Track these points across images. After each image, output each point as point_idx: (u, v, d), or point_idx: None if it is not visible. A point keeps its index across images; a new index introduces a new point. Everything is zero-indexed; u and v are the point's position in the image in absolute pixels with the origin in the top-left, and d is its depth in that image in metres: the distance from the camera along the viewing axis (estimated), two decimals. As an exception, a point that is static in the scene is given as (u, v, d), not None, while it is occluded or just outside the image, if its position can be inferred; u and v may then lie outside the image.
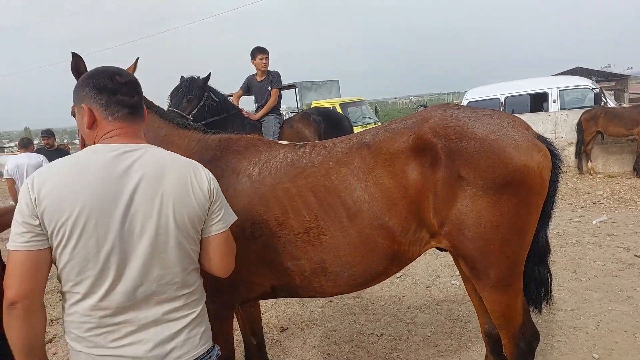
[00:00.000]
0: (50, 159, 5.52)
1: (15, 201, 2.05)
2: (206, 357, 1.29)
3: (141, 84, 1.36)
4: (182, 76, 4.80)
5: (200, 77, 4.80)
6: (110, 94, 1.24)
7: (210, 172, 1.33)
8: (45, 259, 1.12)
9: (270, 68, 5.42)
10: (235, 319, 2.04)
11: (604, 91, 10.76)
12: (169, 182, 1.21)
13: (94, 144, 1.25)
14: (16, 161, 6.04)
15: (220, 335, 1.81)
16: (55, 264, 1.15)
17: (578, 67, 19.41)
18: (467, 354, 2.77)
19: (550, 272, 2.00)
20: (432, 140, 1.62)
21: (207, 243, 1.32)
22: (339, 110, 10.46)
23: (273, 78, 5.39)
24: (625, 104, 12.82)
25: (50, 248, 1.12)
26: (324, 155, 1.79)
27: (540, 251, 1.92)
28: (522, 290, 1.81)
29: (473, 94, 11.16)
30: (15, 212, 1.11)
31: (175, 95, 4.70)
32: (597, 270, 3.77)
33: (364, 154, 1.72)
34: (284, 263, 1.74)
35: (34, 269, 1.09)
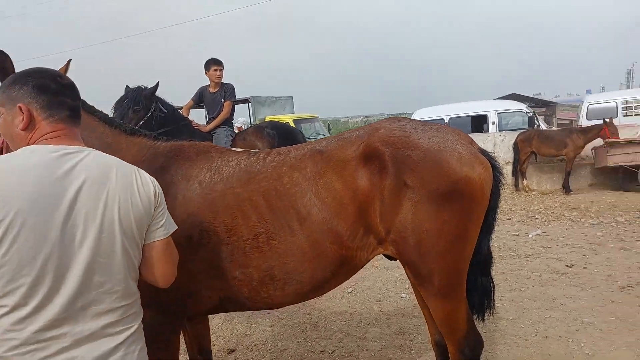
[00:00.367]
0: None
1: None
2: None
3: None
4: (127, 86, 4.59)
5: (148, 87, 4.63)
6: (52, 94, 1.18)
7: (154, 178, 1.29)
8: None
9: (224, 81, 5.36)
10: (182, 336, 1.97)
11: (537, 115, 11.66)
12: (113, 184, 1.16)
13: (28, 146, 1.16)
14: None
15: (167, 352, 1.73)
16: None
17: (514, 93, 20.84)
18: (417, 365, 2.82)
19: (493, 282, 2.08)
20: (380, 148, 1.69)
21: (149, 249, 1.26)
22: (292, 125, 10.51)
23: (227, 90, 5.30)
24: (554, 128, 13.92)
25: None
26: (278, 161, 1.80)
27: (483, 261, 1.99)
28: (465, 299, 1.87)
29: (420, 115, 11.67)
30: None
31: (120, 105, 4.44)
32: (535, 280, 4.01)
33: (316, 159, 1.76)
34: (232, 272, 1.71)
35: None
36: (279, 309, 3.83)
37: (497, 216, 1.94)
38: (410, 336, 3.20)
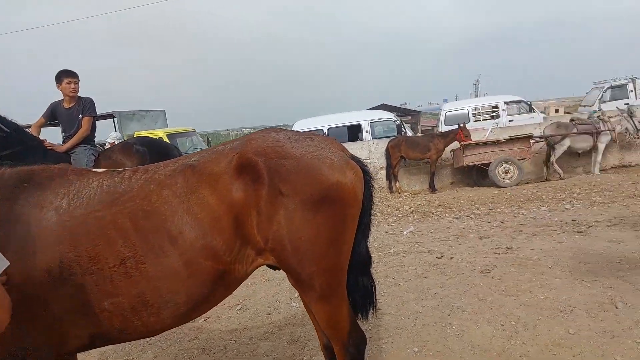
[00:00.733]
0: None
1: None
2: None
3: None
4: None
5: None
6: None
7: None
8: None
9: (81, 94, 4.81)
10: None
11: (404, 123, 12.84)
12: None
13: None
14: None
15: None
16: None
17: (383, 103, 22.75)
18: (309, 373, 2.82)
19: (373, 282, 2.16)
20: (254, 159, 1.68)
21: None
22: (166, 141, 9.91)
23: (85, 105, 4.77)
24: (419, 134, 15.52)
25: None
26: (145, 179, 1.69)
27: (362, 262, 2.06)
28: (346, 299, 1.93)
29: (301, 125, 12.00)
30: None
31: None
32: (411, 274, 4.33)
33: (187, 175, 1.68)
34: (100, 304, 1.56)
35: None
36: (163, 339, 3.55)
37: (372, 217, 2.03)
38: (301, 344, 3.20)
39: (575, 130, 9.20)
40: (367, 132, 11.72)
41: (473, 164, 9.29)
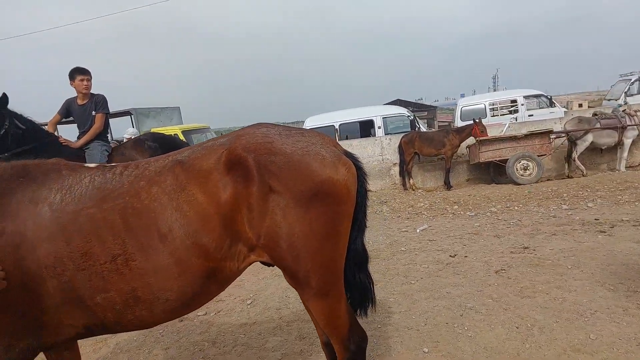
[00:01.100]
0: None
1: None
2: None
3: None
4: None
5: None
6: None
7: None
8: None
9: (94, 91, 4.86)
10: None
11: (418, 118, 12.66)
12: None
13: None
14: None
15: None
16: None
17: (398, 99, 22.55)
18: (317, 372, 2.78)
19: (371, 278, 2.14)
20: (243, 155, 1.65)
21: None
22: (181, 137, 9.99)
23: (97, 101, 4.84)
24: (435, 129, 15.28)
25: None
26: (135, 175, 1.69)
27: (359, 258, 2.04)
28: (344, 295, 1.91)
29: (311, 122, 11.95)
30: None
31: None
32: (423, 273, 4.25)
33: (177, 171, 1.68)
34: (93, 298, 1.60)
35: None
36: (175, 331, 3.61)
37: (367, 213, 2.00)
38: (310, 340, 3.17)
39: (598, 125, 8.91)
40: (379, 127, 11.61)
41: (490, 160, 9.11)
